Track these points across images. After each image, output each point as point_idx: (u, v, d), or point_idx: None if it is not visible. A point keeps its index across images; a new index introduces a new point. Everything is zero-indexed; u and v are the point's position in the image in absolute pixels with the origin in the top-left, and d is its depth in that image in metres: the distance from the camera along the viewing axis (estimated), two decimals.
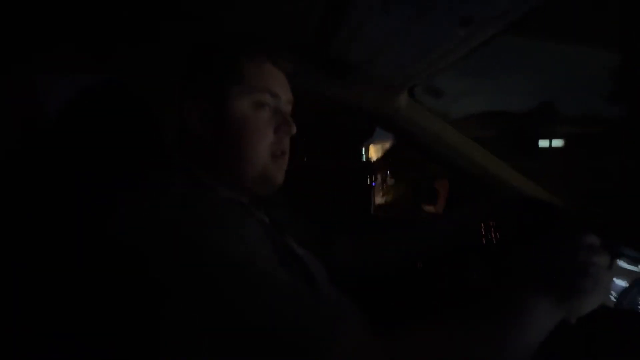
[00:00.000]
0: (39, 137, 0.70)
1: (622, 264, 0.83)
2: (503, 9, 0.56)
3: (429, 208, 1.70)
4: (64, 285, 0.51)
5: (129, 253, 0.46)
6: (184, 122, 0.59)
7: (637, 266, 0.81)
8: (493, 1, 0.55)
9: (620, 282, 0.80)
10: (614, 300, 0.79)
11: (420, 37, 0.66)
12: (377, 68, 0.82)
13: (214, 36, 0.67)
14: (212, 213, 0.49)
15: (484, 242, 0.94)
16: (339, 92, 0.94)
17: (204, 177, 0.58)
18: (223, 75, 0.58)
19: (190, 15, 0.70)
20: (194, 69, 0.61)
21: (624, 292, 0.78)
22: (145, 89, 0.73)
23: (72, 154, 0.62)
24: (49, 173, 0.62)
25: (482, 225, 0.94)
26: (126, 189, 0.54)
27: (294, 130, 0.60)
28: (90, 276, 0.49)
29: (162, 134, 0.67)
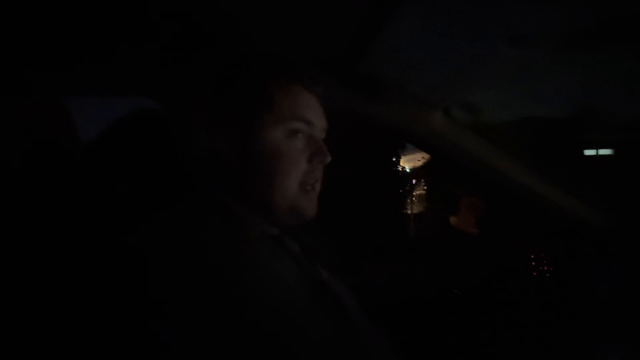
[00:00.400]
0: (72, 156, 0.70)
1: None
2: (558, 28, 0.51)
3: (456, 223, 1.64)
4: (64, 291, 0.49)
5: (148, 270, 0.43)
6: (213, 149, 0.57)
7: None
8: (548, 21, 0.50)
9: None
10: None
11: (463, 57, 0.62)
12: (412, 86, 0.78)
13: (243, 55, 0.65)
14: (243, 250, 0.48)
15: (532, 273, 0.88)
16: (369, 109, 0.90)
17: (234, 207, 0.56)
18: (253, 101, 0.56)
19: (217, 33, 0.68)
20: (222, 94, 0.59)
21: None
22: (173, 113, 0.72)
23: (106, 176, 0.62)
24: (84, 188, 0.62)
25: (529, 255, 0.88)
26: (156, 209, 0.52)
27: (329, 159, 0.58)
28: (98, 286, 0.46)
29: (191, 160, 0.65)
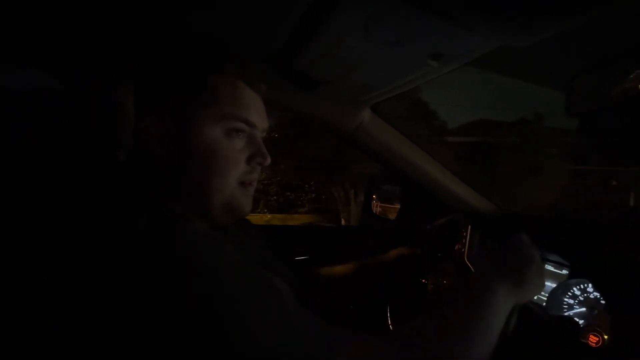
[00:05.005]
0: None
1: (549, 267, 0.96)
2: (471, 48, 0.60)
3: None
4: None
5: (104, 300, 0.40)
6: (140, 141, 0.53)
7: (561, 270, 0.93)
8: (463, 42, 0.58)
9: (549, 284, 0.92)
10: (544, 298, 0.92)
11: (393, 64, 0.68)
12: (344, 85, 0.82)
13: (182, 41, 0.61)
14: (195, 251, 0.45)
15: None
16: (302, 104, 0.93)
17: (173, 206, 0.53)
18: (193, 92, 0.53)
19: (152, 18, 0.62)
20: (156, 81, 0.54)
21: (552, 292, 0.91)
22: (90, 97, 0.65)
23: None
24: None
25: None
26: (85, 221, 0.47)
27: (269, 161, 0.58)
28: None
29: (114, 155, 0.59)
